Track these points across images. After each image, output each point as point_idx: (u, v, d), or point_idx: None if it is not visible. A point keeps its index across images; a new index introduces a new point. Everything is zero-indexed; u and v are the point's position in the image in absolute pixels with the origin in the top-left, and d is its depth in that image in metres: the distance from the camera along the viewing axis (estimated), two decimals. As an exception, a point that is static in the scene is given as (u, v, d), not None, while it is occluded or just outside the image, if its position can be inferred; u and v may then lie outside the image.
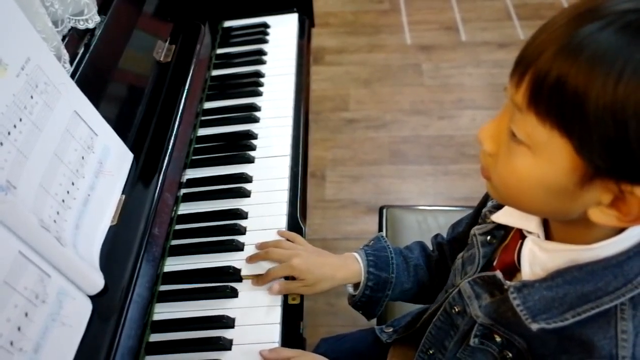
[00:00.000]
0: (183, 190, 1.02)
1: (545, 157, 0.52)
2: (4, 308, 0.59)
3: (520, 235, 0.66)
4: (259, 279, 0.90)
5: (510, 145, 0.55)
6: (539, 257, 0.62)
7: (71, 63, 0.86)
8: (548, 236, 0.64)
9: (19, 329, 0.60)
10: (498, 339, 0.67)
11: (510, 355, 0.66)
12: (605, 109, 0.47)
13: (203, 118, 1.15)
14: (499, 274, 0.65)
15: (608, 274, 0.56)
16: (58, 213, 0.71)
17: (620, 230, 0.56)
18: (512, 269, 0.66)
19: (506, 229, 0.71)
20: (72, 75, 0.85)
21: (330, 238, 1.90)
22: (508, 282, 0.63)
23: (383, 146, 2.15)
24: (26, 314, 0.61)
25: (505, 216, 0.69)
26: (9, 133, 0.66)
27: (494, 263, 0.71)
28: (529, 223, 0.64)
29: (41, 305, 0.63)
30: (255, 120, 1.15)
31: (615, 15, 0.48)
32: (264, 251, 0.92)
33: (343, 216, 1.97)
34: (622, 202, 0.51)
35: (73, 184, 0.76)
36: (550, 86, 0.49)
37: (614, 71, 0.46)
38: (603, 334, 0.56)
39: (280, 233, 0.97)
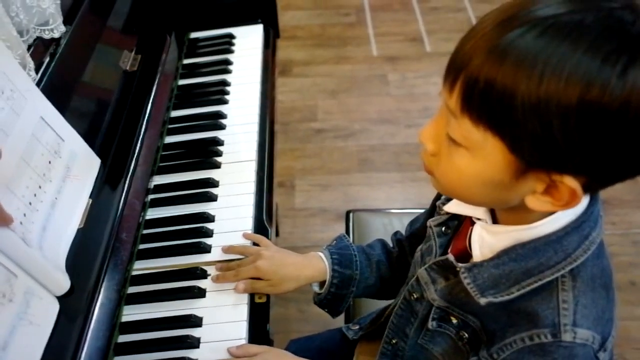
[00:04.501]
0: (151, 196, 1.04)
1: (482, 156, 0.57)
2: (-29, 306, 0.60)
3: (471, 222, 0.70)
4: (223, 276, 0.92)
5: (449, 147, 0.59)
6: (487, 240, 0.66)
7: (37, 71, 0.88)
8: (495, 221, 0.68)
9: (-14, 326, 0.61)
10: (454, 320, 0.71)
11: (467, 335, 0.70)
12: (531, 110, 0.51)
13: (170, 126, 1.17)
14: (451, 256, 0.70)
15: (549, 250, 0.61)
16: (25, 215, 0.72)
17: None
18: (466, 255, 0.70)
19: (459, 218, 0.75)
20: (39, 83, 0.86)
21: (300, 246, 1.92)
22: (460, 264, 0.68)
23: (351, 155, 2.19)
24: (-7, 312, 0.62)
25: (456, 206, 0.73)
26: (-25, 137, 0.68)
27: (449, 250, 0.74)
28: (477, 211, 0.69)
29: (8, 304, 0.65)
30: (222, 127, 1.17)
31: (536, 21, 0.51)
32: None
33: (313, 224, 1.99)
34: (555, 189, 0.56)
35: (40, 187, 0.77)
36: (480, 91, 0.53)
37: (536, 73, 0.50)
38: (546, 305, 0.61)
39: (245, 236, 0.99)
